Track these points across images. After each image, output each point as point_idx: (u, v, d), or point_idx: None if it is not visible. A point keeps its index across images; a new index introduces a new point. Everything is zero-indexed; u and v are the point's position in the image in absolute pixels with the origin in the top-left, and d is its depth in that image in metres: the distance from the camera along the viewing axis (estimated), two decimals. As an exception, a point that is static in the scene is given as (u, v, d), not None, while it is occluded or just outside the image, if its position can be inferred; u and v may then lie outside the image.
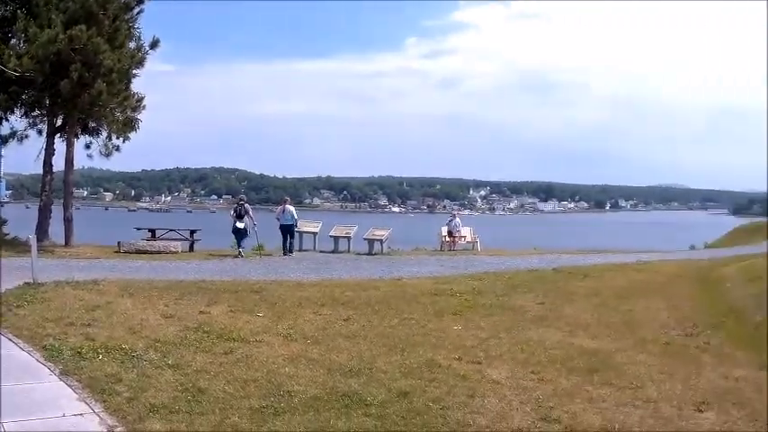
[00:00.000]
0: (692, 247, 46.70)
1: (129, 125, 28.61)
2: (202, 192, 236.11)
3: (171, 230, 29.54)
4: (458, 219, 34.46)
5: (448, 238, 33.56)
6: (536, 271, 23.10)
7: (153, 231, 29.10)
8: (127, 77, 27.60)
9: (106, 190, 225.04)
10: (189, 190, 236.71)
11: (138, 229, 29.79)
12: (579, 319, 14.93)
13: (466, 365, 10.37)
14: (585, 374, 10.30)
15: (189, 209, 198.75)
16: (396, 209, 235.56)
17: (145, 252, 25.40)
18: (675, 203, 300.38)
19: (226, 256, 25.92)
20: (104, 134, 29.16)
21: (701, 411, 8.81)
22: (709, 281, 22.93)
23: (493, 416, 8.16)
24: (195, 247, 28.55)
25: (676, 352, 12.28)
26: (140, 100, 28.76)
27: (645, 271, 24.71)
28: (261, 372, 9.36)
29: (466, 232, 34.89)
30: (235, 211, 26.53)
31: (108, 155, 29.66)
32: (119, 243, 26.25)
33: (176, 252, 25.93)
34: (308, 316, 13.61)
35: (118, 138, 28.99)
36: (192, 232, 29.01)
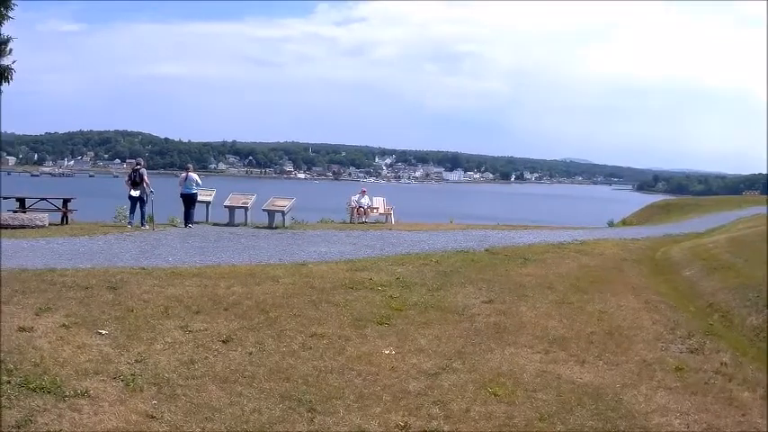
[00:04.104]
0: (611, 224, 45.09)
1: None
2: (106, 155, 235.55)
3: (42, 200, 25.04)
4: (367, 196, 30.65)
5: (357, 210, 29.84)
6: (466, 252, 19.73)
7: (22, 201, 24.59)
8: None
9: (9, 154, 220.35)
10: (92, 153, 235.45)
11: (5, 198, 25.06)
12: (547, 327, 11.23)
13: (420, 443, 6.34)
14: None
15: (92, 173, 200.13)
16: (301, 175, 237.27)
17: (7, 227, 20.97)
18: (579, 177, 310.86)
19: (108, 228, 22.31)
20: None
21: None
22: (661, 266, 20.63)
23: None
24: (70, 218, 24.37)
25: (698, 383, 8.87)
26: (5, 42, 24.97)
27: (587, 253, 21.74)
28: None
29: (379, 203, 31.41)
30: (129, 177, 23.64)
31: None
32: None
33: (43, 226, 21.77)
34: (171, 334, 9.36)
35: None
36: (66, 202, 24.60)
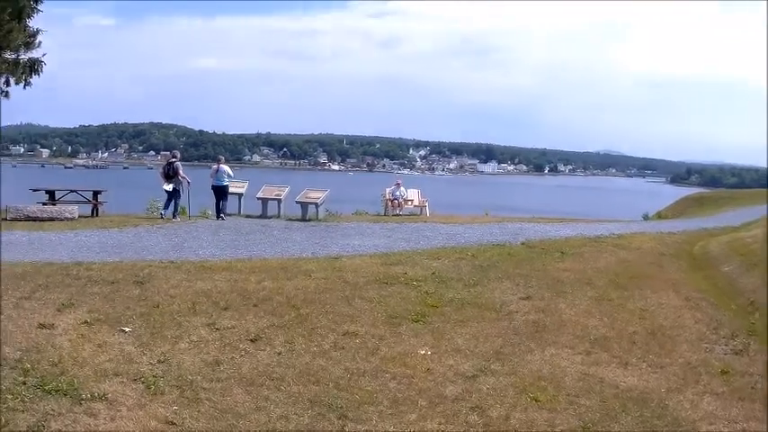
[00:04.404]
0: (646, 217, 44.19)
1: (23, 66, 25.37)
2: (140, 148, 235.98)
3: (72, 191, 24.80)
4: (402, 188, 30.16)
5: (392, 202, 29.36)
6: (502, 246, 19.10)
7: (51, 193, 24.26)
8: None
9: (43, 146, 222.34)
10: (126, 146, 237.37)
11: (35, 190, 24.96)
12: (588, 326, 10.79)
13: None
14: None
15: (126, 165, 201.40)
16: (335, 167, 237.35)
17: (35, 219, 20.77)
18: (613, 170, 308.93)
19: (139, 220, 22.04)
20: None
21: None
22: (699, 261, 20.01)
23: None
24: (101, 210, 24.05)
25: (744, 387, 8.48)
26: (33, 35, 25.41)
27: (625, 247, 21.02)
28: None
29: (413, 195, 30.79)
30: (164, 170, 23.24)
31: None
32: (6, 208, 21.38)
33: (72, 219, 21.47)
34: (197, 332, 9.03)
35: (17, 83, 25.59)
36: (96, 194, 24.38)
